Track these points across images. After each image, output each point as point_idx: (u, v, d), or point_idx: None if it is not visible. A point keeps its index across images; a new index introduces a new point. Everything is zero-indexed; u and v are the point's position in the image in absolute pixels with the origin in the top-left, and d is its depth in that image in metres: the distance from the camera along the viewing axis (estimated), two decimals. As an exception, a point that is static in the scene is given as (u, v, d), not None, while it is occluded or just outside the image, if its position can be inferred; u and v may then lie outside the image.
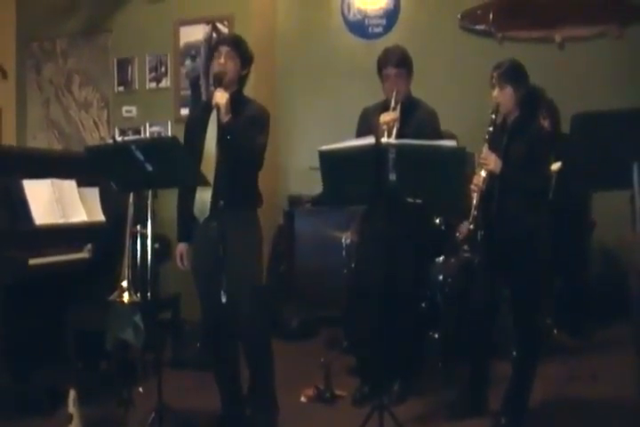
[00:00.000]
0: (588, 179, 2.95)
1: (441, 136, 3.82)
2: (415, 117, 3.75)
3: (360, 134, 3.69)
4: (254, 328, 3.37)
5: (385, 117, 3.59)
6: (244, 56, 3.39)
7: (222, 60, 3.33)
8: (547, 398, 3.72)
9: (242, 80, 3.44)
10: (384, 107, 3.78)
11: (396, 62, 3.75)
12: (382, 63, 3.80)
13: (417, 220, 3.82)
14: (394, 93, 3.68)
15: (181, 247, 3.51)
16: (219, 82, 3.25)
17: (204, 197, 3.32)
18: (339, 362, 4.29)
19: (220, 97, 3.17)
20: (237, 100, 3.33)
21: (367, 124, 3.82)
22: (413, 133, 3.48)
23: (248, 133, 3.25)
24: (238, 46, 3.39)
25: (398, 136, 3.53)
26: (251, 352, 3.42)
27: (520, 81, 3.46)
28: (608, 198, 4.42)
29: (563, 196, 4.31)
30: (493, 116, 3.46)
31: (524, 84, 3.47)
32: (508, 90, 3.43)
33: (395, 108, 3.64)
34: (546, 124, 4.82)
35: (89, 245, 3.99)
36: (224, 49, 3.35)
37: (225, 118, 3.15)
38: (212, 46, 3.43)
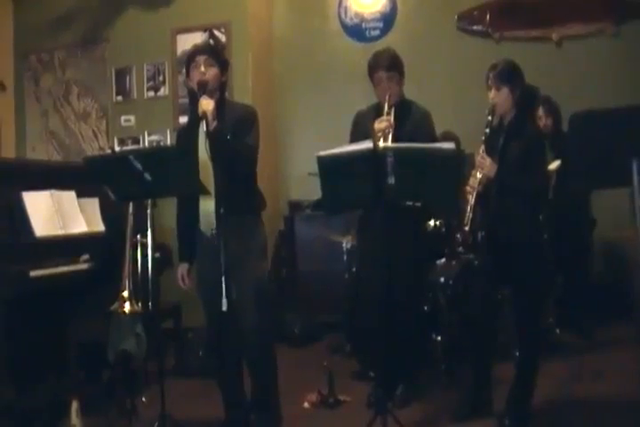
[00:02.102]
0: (587, 177, 2.93)
1: (436, 137, 3.81)
2: (410, 119, 3.74)
3: (355, 139, 3.68)
4: (259, 334, 3.34)
5: (380, 125, 3.57)
6: (221, 62, 3.39)
7: (202, 69, 3.32)
8: (550, 397, 3.71)
9: (222, 86, 3.44)
10: (377, 110, 3.78)
11: (387, 66, 3.75)
12: (373, 67, 3.79)
13: (415, 222, 3.81)
14: (387, 97, 3.67)
15: (182, 268, 3.51)
16: (203, 90, 3.24)
17: (207, 208, 3.29)
18: (342, 367, 4.28)
19: (206, 104, 3.15)
20: (222, 106, 3.33)
21: (361, 128, 3.81)
22: (409, 136, 3.47)
23: (237, 135, 3.24)
24: (215, 53, 3.40)
25: (394, 141, 3.51)
26: (254, 359, 3.40)
27: (516, 81, 3.45)
28: (608, 196, 4.42)
29: (563, 194, 4.30)
30: (490, 118, 3.45)
31: (520, 84, 3.46)
32: (505, 91, 3.43)
33: (389, 113, 3.63)
34: (548, 122, 4.82)
35: (86, 256, 3.97)
36: (201, 58, 3.34)
37: (212, 125, 3.14)
38: (188, 57, 3.42)
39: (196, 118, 3.41)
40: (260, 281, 3.37)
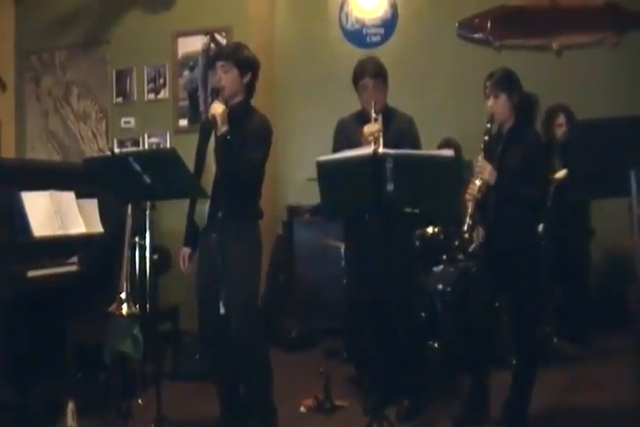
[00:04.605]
0: (587, 186, 2.94)
1: (420, 143, 3.82)
2: (394, 126, 3.75)
3: (338, 147, 3.69)
4: (245, 341, 3.34)
5: (370, 129, 3.56)
6: (241, 64, 3.39)
7: (217, 76, 3.36)
8: (547, 406, 3.70)
9: (247, 88, 3.45)
10: (360, 117, 3.79)
11: (373, 73, 3.75)
12: (359, 74, 3.78)
13: (408, 228, 3.82)
14: (372, 104, 3.66)
15: (184, 251, 3.56)
16: (217, 95, 3.29)
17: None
18: (338, 372, 4.28)
19: (216, 108, 3.18)
20: (241, 111, 3.36)
21: (345, 135, 3.82)
22: (394, 142, 3.47)
23: (244, 147, 3.25)
24: (232, 57, 3.40)
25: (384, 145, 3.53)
26: (244, 363, 3.40)
27: (513, 88, 3.46)
28: (607, 206, 4.42)
29: (562, 204, 4.31)
30: (489, 126, 3.47)
31: (517, 92, 3.48)
32: (502, 98, 3.44)
33: (377, 119, 3.64)
34: (560, 132, 4.83)
35: (75, 258, 3.97)
36: (219, 64, 3.38)
37: (221, 129, 3.16)
38: (209, 58, 3.45)
39: (206, 123, 3.45)
40: (247, 288, 3.36)
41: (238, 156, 3.22)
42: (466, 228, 3.38)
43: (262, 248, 3.51)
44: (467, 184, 3.40)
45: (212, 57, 3.48)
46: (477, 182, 3.39)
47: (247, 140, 3.29)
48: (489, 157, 3.41)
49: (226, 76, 3.36)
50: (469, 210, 3.38)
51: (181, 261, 3.56)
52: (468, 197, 3.39)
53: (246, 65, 3.42)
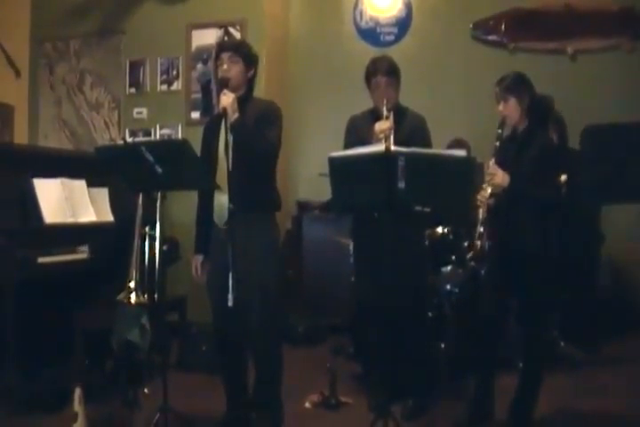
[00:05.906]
0: (599, 192, 2.94)
1: (431, 142, 3.83)
2: (405, 125, 3.75)
3: (350, 143, 3.70)
4: (265, 331, 3.36)
5: (381, 126, 3.57)
6: (247, 58, 3.41)
7: (225, 66, 3.36)
8: (552, 410, 3.69)
9: (250, 82, 3.47)
10: (372, 115, 3.80)
11: (386, 71, 3.76)
12: (371, 72, 3.80)
13: (419, 227, 3.83)
14: (384, 102, 3.67)
15: (197, 259, 3.53)
16: (225, 86, 3.28)
17: (222, 202, 3.31)
18: (344, 369, 4.28)
19: (226, 99, 3.17)
20: (246, 102, 3.36)
21: (356, 132, 3.83)
22: (406, 140, 3.47)
23: (258, 130, 3.27)
24: (239, 50, 3.41)
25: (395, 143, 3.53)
26: (261, 356, 3.41)
27: (523, 91, 3.44)
28: (617, 212, 4.43)
29: (572, 208, 4.30)
30: (500, 131, 3.46)
31: (528, 94, 3.46)
32: (512, 101, 3.43)
33: (388, 117, 3.65)
34: (553, 137, 4.83)
35: (85, 246, 3.99)
36: (226, 55, 3.38)
37: (232, 118, 3.16)
38: (214, 54, 3.47)
39: (214, 116, 3.45)
40: (265, 281, 3.36)
41: (254, 139, 3.23)
42: (478, 235, 3.39)
43: (279, 241, 3.51)
44: (478, 188, 3.39)
45: (217, 49, 3.47)
46: (488, 188, 3.38)
47: (260, 124, 3.30)
48: (501, 161, 3.40)
49: (233, 67, 3.37)
50: (481, 216, 3.38)
51: (194, 270, 3.53)
52: (479, 203, 3.38)
53: (251, 59, 3.44)
